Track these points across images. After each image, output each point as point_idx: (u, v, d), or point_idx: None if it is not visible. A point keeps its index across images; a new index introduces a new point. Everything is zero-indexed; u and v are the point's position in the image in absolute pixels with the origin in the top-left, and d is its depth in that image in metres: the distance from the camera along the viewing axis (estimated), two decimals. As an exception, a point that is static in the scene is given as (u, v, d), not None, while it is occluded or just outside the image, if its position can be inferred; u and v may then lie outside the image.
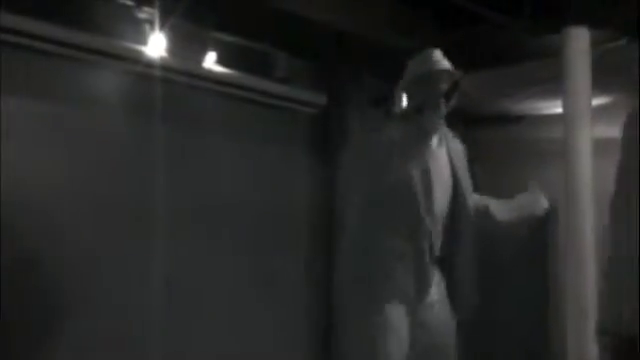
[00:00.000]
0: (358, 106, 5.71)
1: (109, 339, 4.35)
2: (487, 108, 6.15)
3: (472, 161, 3.50)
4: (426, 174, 3.23)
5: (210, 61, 4.89)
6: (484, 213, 3.36)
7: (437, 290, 3.25)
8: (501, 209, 3.38)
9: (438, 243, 3.26)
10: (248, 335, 5.02)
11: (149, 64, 4.51)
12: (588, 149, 4.92)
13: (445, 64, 3.30)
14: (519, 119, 6.21)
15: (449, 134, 3.40)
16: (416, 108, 3.32)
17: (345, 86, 5.68)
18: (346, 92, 5.67)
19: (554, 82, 4.99)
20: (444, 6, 4.95)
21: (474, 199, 3.39)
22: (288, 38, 5.16)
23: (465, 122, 5.83)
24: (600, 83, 4.94)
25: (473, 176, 3.46)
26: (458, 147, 3.42)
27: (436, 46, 3.37)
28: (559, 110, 5.19)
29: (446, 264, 3.29)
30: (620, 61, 4.90)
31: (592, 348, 4.71)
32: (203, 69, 4.86)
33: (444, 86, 3.26)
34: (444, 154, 3.34)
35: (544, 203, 3.37)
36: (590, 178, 4.83)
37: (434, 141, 3.30)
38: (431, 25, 5.27)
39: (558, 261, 5.05)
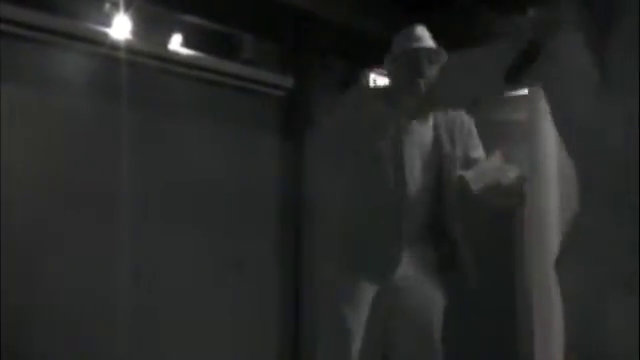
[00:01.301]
0: (325, 88, 5.68)
1: (76, 323, 4.32)
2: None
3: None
4: (398, 151, 3.11)
5: (175, 43, 4.84)
6: (462, 185, 3.11)
7: (415, 269, 3.14)
8: (474, 178, 3.12)
9: (415, 220, 3.14)
10: (216, 318, 5.01)
11: (113, 46, 4.45)
12: (553, 131, 4.96)
13: (425, 42, 3.17)
14: (484, 101, 6.22)
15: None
16: (396, 86, 3.23)
17: (312, 68, 5.65)
18: (313, 74, 5.64)
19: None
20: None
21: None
22: (254, 20, 5.12)
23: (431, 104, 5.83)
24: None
25: None
26: (453, 119, 3.26)
27: (400, 28, 3.27)
28: (525, 92, 5.21)
29: (441, 240, 3.19)
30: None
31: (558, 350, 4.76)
32: (168, 51, 4.81)
33: (424, 66, 3.12)
34: (428, 129, 3.19)
35: (512, 170, 3.10)
36: (555, 160, 4.87)
37: (414, 117, 3.17)
38: (398, 7, 5.24)
39: (524, 253, 5.08)
